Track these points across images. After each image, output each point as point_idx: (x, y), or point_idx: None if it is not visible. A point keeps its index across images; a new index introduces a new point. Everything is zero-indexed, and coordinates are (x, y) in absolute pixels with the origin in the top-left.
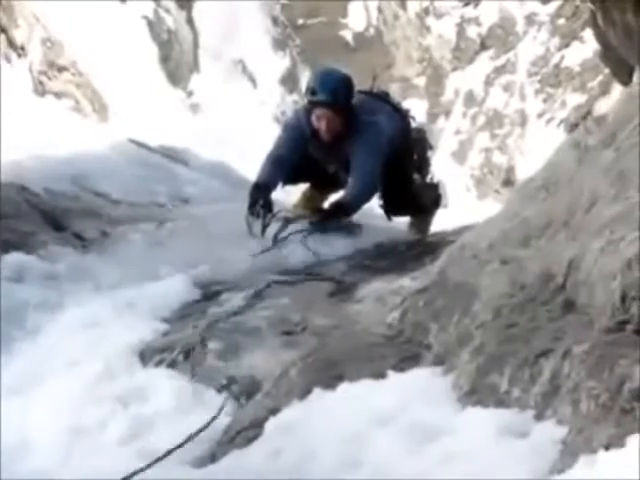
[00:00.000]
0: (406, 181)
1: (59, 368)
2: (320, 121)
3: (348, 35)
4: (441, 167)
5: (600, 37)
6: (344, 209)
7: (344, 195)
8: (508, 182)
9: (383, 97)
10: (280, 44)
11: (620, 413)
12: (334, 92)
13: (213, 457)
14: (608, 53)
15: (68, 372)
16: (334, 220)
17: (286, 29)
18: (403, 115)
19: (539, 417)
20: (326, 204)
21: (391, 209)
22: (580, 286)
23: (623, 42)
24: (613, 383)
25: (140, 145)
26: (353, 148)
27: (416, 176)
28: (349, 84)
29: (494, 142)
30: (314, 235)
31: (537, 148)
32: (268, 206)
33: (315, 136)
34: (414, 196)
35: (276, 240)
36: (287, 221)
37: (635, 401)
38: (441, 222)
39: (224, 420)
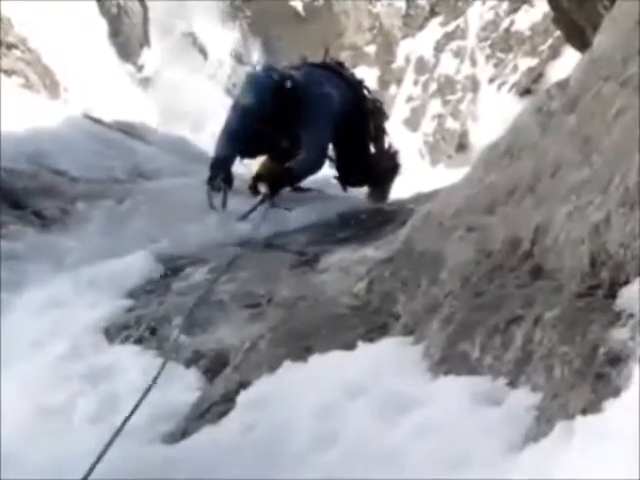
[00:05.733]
0: (362, 152)
1: (24, 349)
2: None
3: (298, 5)
4: (394, 134)
5: (552, 1)
6: (290, 176)
7: (292, 163)
8: (461, 147)
9: (336, 68)
10: (230, 16)
11: (595, 378)
12: (263, 104)
13: (184, 433)
14: (560, 16)
15: (33, 352)
16: (281, 187)
17: (235, 1)
18: (356, 86)
19: (512, 384)
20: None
21: (347, 180)
22: (548, 252)
23: (575, 6)
24: (586, 348)
25: (96, 121)
26: (302, 121)
27: (372, 146)
28: (275, 90)
29: (446, 108)
30: (274, 207)
31: (489, 113)
32: (229, 180)
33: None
34: (370, 166)
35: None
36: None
37: (609, 366)
38: (396, 189)
39: (194, 395)
